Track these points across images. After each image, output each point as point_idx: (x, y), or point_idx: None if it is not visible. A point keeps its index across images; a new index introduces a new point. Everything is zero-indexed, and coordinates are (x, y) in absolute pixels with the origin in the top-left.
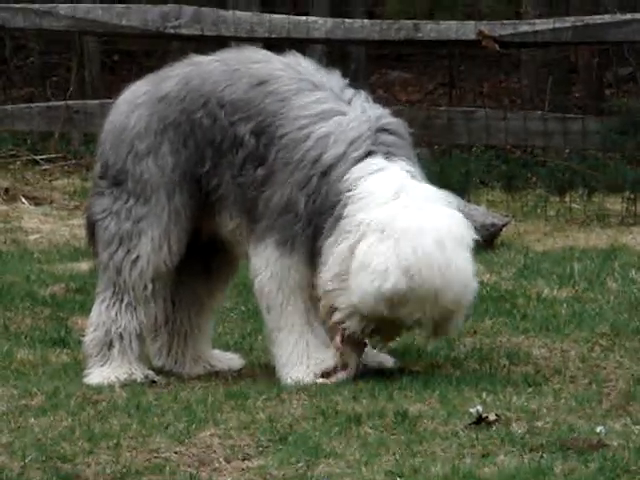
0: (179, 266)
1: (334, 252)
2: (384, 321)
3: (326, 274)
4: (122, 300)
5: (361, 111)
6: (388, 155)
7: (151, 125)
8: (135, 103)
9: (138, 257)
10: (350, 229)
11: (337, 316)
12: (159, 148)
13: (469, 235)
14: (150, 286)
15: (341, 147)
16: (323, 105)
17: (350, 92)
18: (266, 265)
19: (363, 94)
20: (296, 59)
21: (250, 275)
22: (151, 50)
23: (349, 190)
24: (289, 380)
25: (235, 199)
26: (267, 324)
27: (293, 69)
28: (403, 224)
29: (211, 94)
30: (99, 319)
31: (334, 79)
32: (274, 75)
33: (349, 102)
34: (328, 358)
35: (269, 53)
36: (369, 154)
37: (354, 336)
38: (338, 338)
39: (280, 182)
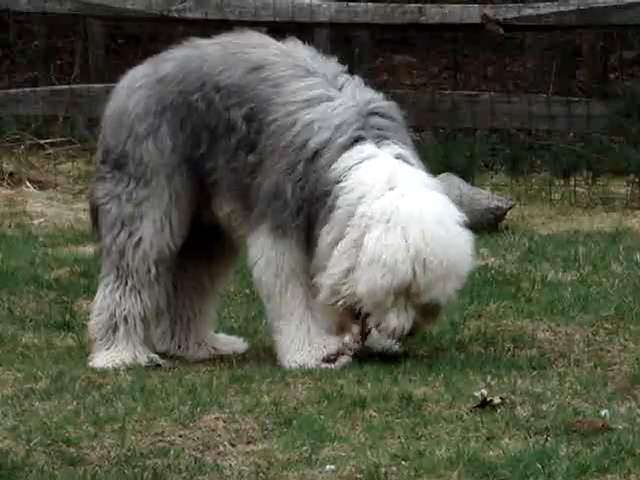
0: (181, 250)
1: (338, 246)
2: (424, 307)
3: (334, 269)
4: (126, 283)
5: (350, 96)
6: (379, 139)
7: (150, 107)
8: (134, 87)
9: (140, 239)
10: (352, 223)
11: (372, 320)
12: (158, 130)
13: (461, 215)
14: (154, 269)
15: (326, 133)
16: (312, 91)
17: (344, 78)
18: (261, 253)
19: (357, 79)
20: (295, 45)
21: (248, 265)
22: (156, 34)
23: (339, 181)
24: (293, 365)
25: (229, 184)
26: (268, 313)
27: (289, 55)
28: (406, 211)
29: (208, 77)
30: (103, 303)
31: (329, 65)
32: (269, 61)
33: (340, 88)
34: (330, 343)
35: (268, 38)
36: (358, 140)
37: (396, 333)
38: (356, 337)
39: (269, 169)
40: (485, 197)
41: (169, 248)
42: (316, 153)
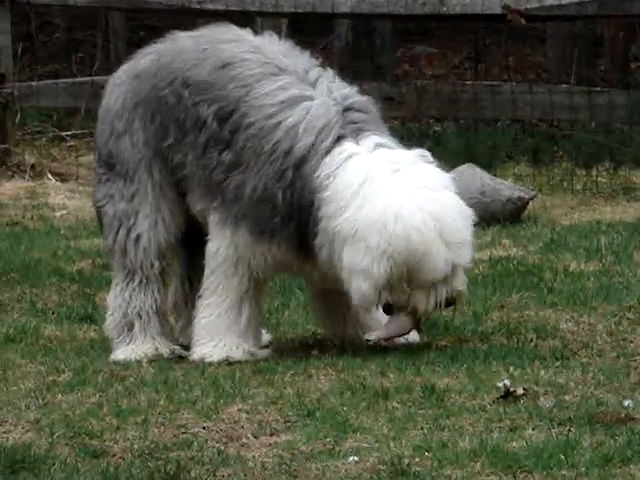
0: (193, 245)
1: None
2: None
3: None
4: (133, 280)
5: (327, 93)
6: (358, 132)
7: (126, 103)
8: (115, 84)
9: (139, 236)
10: (332, 238)
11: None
12: (132, 124)
13: (443, 179)
14: (157, 263)
15: (310, 137)
16: (288, 91)
17: (315, 73)
18: (229, 243)
19: (329, 73)
20: (270, 40)
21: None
22: (177, 25)
23: (319, 191)
24: (194, 356)
25: (199, 181)
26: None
27: (260, 52)
28: (366, 221)
29: (178, 72)
30: (115, 302)
31: (301, 60)
32: (238, 58)
33: (314, 84)
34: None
35: (243, 33)
36: (339, 140)
37: (426, 312)
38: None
39: (252, 171)
40: (507, 187)
41: (167, 241)
42: (302, 159)
